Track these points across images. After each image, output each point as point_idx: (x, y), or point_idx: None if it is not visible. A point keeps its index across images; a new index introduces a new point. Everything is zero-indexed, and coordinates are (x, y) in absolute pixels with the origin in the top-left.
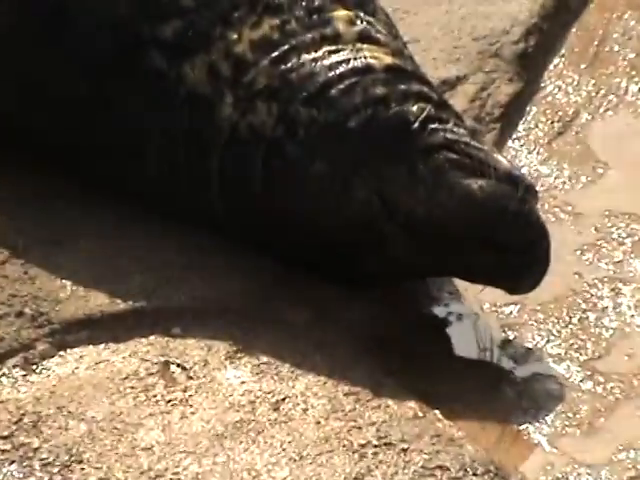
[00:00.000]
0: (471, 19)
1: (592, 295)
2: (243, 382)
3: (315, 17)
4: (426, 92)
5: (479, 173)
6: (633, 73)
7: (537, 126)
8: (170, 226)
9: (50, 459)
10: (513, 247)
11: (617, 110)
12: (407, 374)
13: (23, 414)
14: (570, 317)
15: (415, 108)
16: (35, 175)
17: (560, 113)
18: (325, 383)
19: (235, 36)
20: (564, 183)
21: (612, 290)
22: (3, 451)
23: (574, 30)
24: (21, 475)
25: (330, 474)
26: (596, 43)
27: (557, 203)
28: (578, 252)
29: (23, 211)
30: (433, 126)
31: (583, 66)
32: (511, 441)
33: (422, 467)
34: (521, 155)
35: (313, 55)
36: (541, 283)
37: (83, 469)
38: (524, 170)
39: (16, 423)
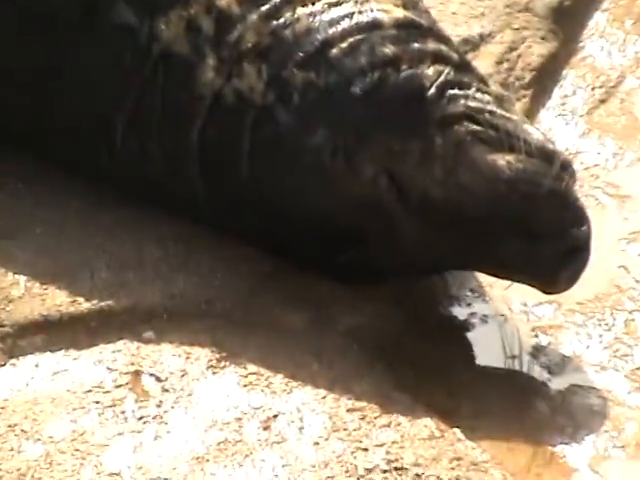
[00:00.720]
0: None
1: None
2: (228, 395)
3: None
4: (444, 52)
5: (507, 147)
6: None
7: (575, 93)
8: (143, 213)
9: None
10: (547, 234)
11: None
12: (421, 387)
13: None
14: (614, 319)
15: (431, 71)
16: None
17: (602, 78)
18: (324, 397)
19: None
20: (607, 160)
21: None
22: None
23: None
24: None
25: None
26: None
27: (599, 184)
28: (624, 242)
29: None
30: (452, 92)
31: (630, 22)
32: (544, 465)
33: None
34: (556, 127)
35: (310, 9)
36: (580, 278)
37: None
38: (560, 144)
39: None
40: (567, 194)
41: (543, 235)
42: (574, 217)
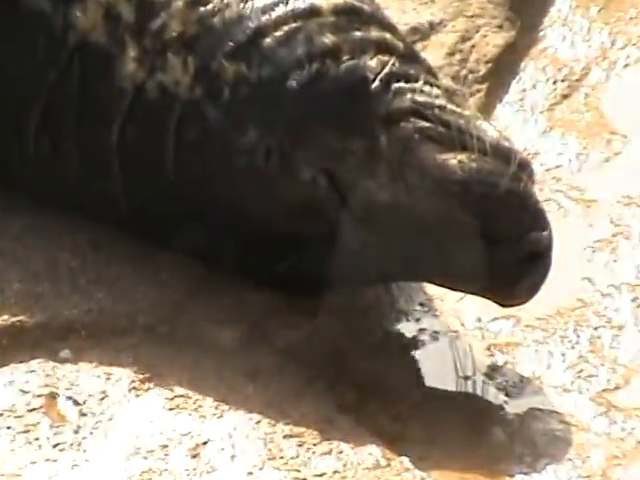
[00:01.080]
0: None
1: (607, 307)
2: (152, 421)
3: None
4: (389, 41)
5: (458, 145)
6: None
7: (535, 87)
8: (58, 220)
9: None
10: (504, 239)
11: (638, 67)
12: (366, 410)
13: None
14: (578, 336)
15: (374, 62)
16: None
17: (565, 70)
18: (259, 422)
19: None
20: (570, 161)
21: (633, 301)
22: None
23: None
24: None
25: None
26: None
27: (561, 187)
28: (589, 250)
29: None
30: (398, 85)
31: (595, 9)
32: None
33: None
34: (514, 124)
35: None
36: (541, 289)
37: None
38: (517, 143)
39: None
40: (526, 195)
41: (500, 240)
42: (534, 220)
